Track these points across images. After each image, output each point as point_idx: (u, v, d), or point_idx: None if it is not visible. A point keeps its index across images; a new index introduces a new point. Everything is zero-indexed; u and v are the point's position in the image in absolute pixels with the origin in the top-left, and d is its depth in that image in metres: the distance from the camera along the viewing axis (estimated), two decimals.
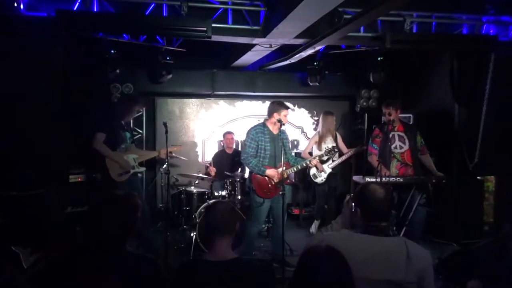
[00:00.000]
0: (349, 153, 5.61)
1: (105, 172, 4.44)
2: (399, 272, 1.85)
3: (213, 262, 2.03)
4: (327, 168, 5.64)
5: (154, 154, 5.05)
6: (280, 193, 4.24)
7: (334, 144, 5.49)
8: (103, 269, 1.80)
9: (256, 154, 4.34)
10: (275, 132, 4.42)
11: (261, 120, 4.63)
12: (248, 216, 4.56)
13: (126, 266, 1.82)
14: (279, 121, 4.24)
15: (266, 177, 4.33)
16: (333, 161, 5.65)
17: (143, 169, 4.76)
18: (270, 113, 4.40)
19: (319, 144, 5.68)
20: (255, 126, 4.48)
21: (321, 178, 5.66)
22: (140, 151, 4.90)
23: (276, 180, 4.32)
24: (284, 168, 4.21)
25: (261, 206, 4.34)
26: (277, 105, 4.41)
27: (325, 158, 4.65)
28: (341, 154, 5.69)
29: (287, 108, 4.45)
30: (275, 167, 4.35)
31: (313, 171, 5.68)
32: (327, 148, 4.64)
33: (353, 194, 2.13)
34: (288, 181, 4.46)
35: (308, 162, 4.44)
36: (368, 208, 2.01)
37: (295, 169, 4.47)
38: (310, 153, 5.80)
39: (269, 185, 4.34)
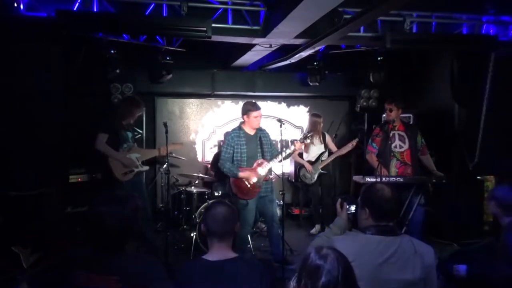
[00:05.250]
0: (338, 152, 5.62)
1: (109, 172, 4.42)
2: (413, 269, 1.89)
3: (214, 262, 2.03)
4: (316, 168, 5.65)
5: (155, 153, 5.03)
6: (262, 194, 4.30)
7: (322, 145, 5.67)
8: (102, 270, 1.79)
9: (232, 158, 4.30)
10: (252, 133, 4.38)
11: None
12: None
13: (126, 267, 1.82)
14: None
15: (243, 179, 4.29)
16: (322, 161, 5.65)
17: (146, 168, 4.75)
18: (242, 115, 4.35)
19: (306, 146, 5.66)
20: (231, 130, 4.43)
21: (310, 178, 5.66)
22: (141, 150, 4.91)
23: (253, 179, 4.29)
24: (260, 166, 4.24)
25: (247, 208, 4.29)
26: (246, 106, 4.32)
27: (306, 141, 4.54)
28: (330, 153, 5.72)
29: (258, 108, 4.29)
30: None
31: (302, 171, 5.73)
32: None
33: (360, 196, 2.12)
34: (267, 177, 4.41)
35: (291, 150, 4.35)
36: (379, 209, 2.01)
37: (277, 161, 4.33)
38: (300, 155, 5.79)
39: (248, 186, 4.30)
